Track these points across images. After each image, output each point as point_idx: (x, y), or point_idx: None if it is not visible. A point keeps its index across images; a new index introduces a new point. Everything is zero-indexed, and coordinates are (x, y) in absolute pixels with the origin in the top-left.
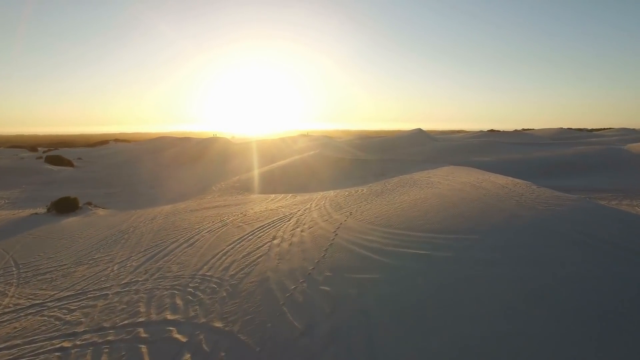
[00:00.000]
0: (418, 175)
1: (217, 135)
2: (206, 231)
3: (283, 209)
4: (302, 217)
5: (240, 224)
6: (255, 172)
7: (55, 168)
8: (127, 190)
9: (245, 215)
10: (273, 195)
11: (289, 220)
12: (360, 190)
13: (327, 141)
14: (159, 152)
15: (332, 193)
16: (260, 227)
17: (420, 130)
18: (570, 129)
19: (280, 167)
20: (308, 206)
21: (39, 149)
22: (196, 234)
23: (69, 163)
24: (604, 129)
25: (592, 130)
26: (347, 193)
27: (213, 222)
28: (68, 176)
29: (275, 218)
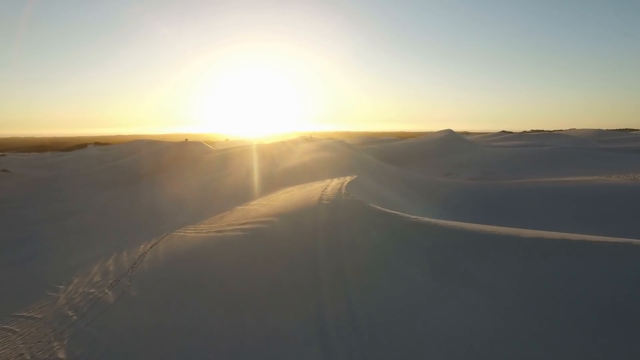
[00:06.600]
0: None
1: (189, 140)
2: None
3: None
4: None
5: None
6: (199, 234)
7: None
8: None
9: None
10: None
11: None
12: None
13: (345, 150)
14: (118, 160)
15: None
16: None
17: (450, 131)
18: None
19: (256, 237)
20: None
21: None
22: None
23: None
24: (626, 129)
25: (606, 130)
26: None
27: None
28: None
29: None
